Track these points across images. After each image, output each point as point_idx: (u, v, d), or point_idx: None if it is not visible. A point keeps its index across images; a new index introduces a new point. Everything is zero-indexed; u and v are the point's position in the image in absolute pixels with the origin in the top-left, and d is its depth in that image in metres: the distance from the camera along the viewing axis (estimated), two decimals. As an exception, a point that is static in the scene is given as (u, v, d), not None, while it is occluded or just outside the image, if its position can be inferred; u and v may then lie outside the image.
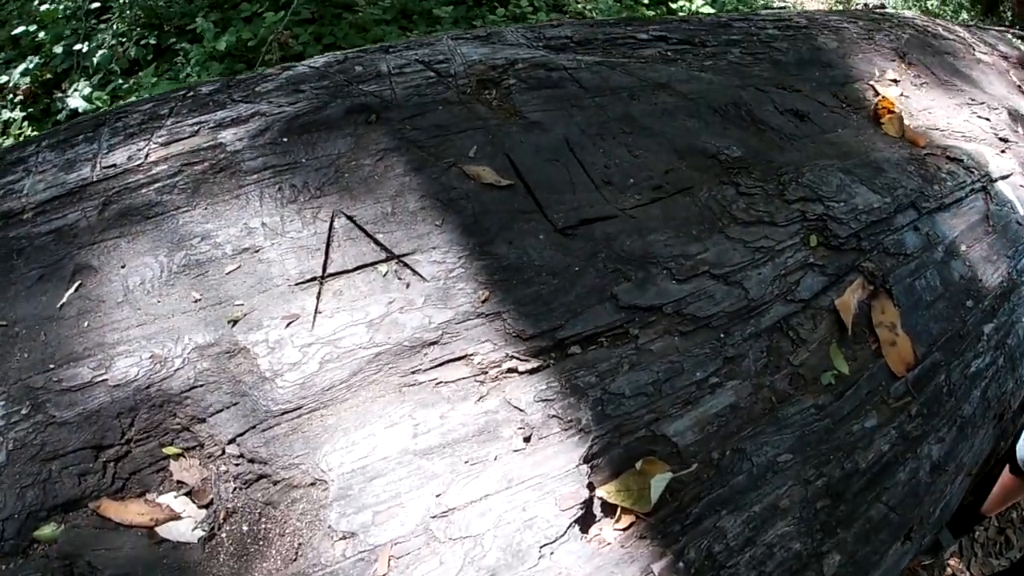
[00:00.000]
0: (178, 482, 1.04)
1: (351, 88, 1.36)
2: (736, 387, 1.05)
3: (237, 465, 1.03)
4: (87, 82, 2.59)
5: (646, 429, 0.99)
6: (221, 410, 1.03)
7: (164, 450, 1.03)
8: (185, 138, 1.28)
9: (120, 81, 2.57)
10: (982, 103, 1.99)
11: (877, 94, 1.74)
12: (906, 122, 1.68)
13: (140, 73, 2.55)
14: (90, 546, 0.93)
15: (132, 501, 1.01)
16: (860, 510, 1.05)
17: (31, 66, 2.86)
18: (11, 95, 3.04)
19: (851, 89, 1.73)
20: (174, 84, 2.52)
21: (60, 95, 2.69)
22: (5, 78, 2.99)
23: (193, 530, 0.99)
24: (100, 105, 2.46)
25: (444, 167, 1.23)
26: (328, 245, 1.14)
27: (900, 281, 1.30)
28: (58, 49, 2.76)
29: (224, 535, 0.99)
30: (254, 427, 1.02)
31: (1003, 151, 1.80)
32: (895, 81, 1.84)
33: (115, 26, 2.78)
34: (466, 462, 0.95)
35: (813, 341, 1.15)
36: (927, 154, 1.59)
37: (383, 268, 1.11)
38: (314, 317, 1.07)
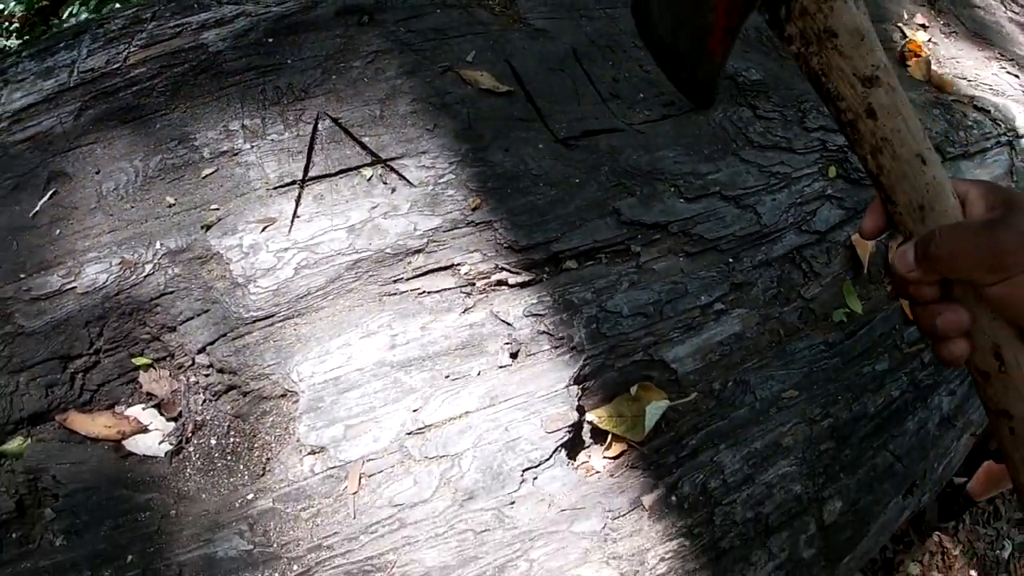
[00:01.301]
0: (147, 394, 0.93)
1: (344, -13, 1.20)
2: (743, 316, 0.93)
3: (207, 376, 0.92)
4: (83, 7, 2.39)
5: (644, 352, 0.87)
6: (192, 318, 0.92)
7: (133, 360, 0.92)
8: (166, 39, 1.13)
9: (117, 5, 2.37)
10: (1011, 60, 1.83)
11: (904, 36, 1.58)
12: (933, 67, 1.52)
13: None
14: (55, 460, 0.84)
15: (99, 414, 0.91)
16: (865, 456, 0.94)
17: (26, -8, 2.66)
18: (7, 23, 2.84)
19: (877, 29, 1.56)
20: (171, 6, 2.33)
21: (57, 21, 2.50)
22: (1, 6, 2.79)
23: (160, 443, 0.90)
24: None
25: (439, 71, 1.09)
26: (311, 148, 1.01)
27: (920, 223, 1.17)
28: (54, -30, 2.56)
29: (191, 449, 0.89)
30: (224, 335, 0.90)
31: (1029, 109, 1.65)
32: (923, 26, 1.67)
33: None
34: (447, 377, 0.83)
35: (827, 276, 1.03)
36: (954, 100, 1.45)
37: (368, 172, 0.97)
38: (292, 221, 0.94)
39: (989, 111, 1.46)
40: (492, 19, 1.18)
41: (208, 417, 0.91)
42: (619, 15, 1.24)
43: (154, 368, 0.95)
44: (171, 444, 0.89)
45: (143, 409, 0.93)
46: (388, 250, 0.90)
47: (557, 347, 0.84)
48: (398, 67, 1.09)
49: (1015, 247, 0.54)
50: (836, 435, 0.92)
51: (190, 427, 0.90)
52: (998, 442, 0.66)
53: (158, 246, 0.94)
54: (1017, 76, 1.68)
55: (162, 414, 0.93)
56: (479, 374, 0.82)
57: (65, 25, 2.29)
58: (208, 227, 0.96)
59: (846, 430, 0.93)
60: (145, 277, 0.92)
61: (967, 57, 1.64)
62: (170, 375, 0.95)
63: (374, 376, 0.83)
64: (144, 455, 0.89)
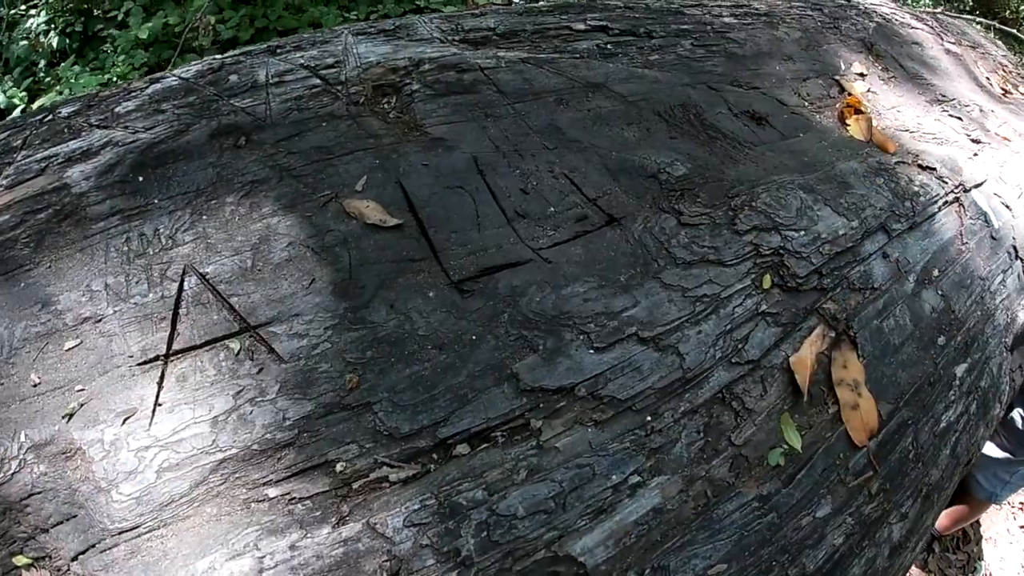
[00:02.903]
0: (33, 595, 0.81)
1: (220, 104, 1.03)
2: (663, 484, 0.79)
3: None
4: (8, 77, 2.20)
5: (546, 550, 0.73)
6: (61, 522, 0.78)
7: (14, 560, 0.79)
8: (31, 178, 0.97)
9: (42, 74, 2.18)
10: (952, 100, 1.68)
11: (843, 91, 1.42)
12: (874, 123, 1.37)
13: (60, 65, 2.17)
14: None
15: (-11, 619, 0.78)
16: (808, 623, 0.81)
17: (-51, 63, 2.46)
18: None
19: (814, 85, 1.41)
20: (98, 76, 2.15)
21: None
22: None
23: (50, 655, 0.77)
24: (18, 103, 2.09)
25: (321, 203, 0.93)
26: (175, 315, 0.85)
27: (866, 324, 1.03)
28: (-23, 44, 2.36)
29: (77, 663, 0.76)
30: (93, 546, 0.76)
31: (976, 154, 1.51)
32: (861, 75, 1.52)
33: (42, 13, 2.37)
34: (319, 606, 0.69)
35: (761, 411, 0.89)
36: (898, 162, 1.30)
37: (235, 344, 0.82)
38: (153, 411, 0.79)
39: (935, 168, 1.32)
40: (385, 129, 1.02)
41: (88, 627, 0.78)
42: (528, 110, 1.08)
43: (35, 568, 0.81)
44: (57, 657, 0.76)
45: (30, 612, 0.80)
46: (255, 446, 0.75)
47: (443, 562, 0.70)
48: (275, 200, 0.93)
49: None
50: (773, 610, 0.79)
51: (73, 635, 0.77)
52: None
53: (23, 438, 0.79)
54: (959, 118, 1.53)
55: (47, 618, 0.80)
56: (355, 603, 0.68)
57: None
58: (70, 416, 0.81)
59: (784, 602, 0.80)
60: (13, 475, 0.78)
61: (908, 103, 1.49)
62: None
63: (241, 607, 0.69)
64: (32, 667, 0.77)
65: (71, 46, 2.29)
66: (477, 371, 0.79)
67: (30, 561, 0.80)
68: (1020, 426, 1.76)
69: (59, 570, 0.79)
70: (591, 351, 0.83)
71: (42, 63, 2.24)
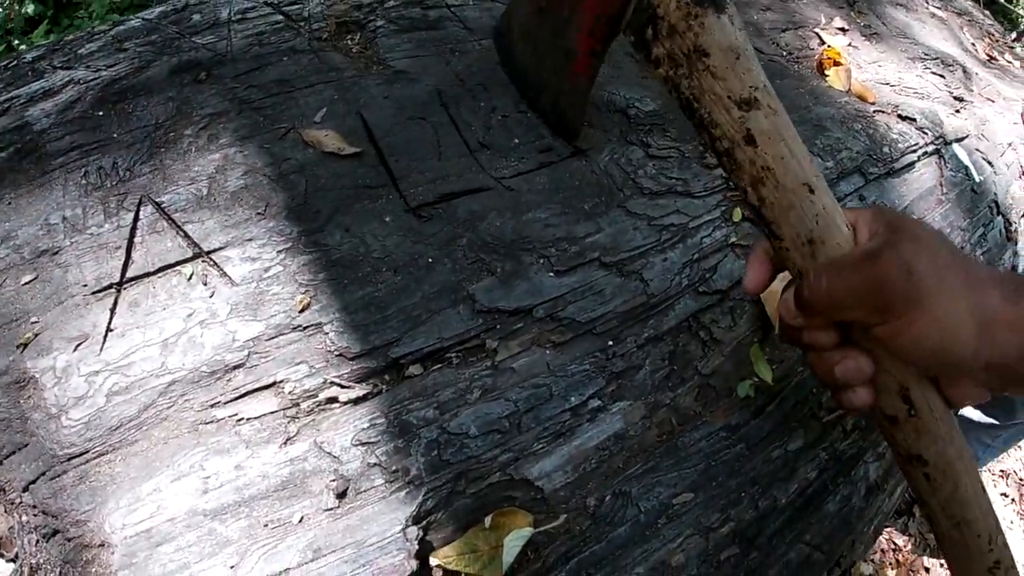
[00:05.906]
0: (-14, 531, 0.77)
1: (182, 42, 0.99)
2: (625, 410, 0.75)
3: (35, 516, 0.74)
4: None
5: (501, 472, 0.69)
6: (14, 452, 0.74)
7: None
8: None
9: (16, 42, 2.13)
10: (936, 58, 1.63)
11: (822, 43, 1.38)
12: (854, 75, 1.33)
13: (32, 33, 2.11)
14: None
15: (-60, 554, 0.75)
16: (776, 554, 0.77)
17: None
18: None
19: (793, 36, 1.36)
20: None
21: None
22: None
23: (0, 588, 0.74)
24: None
25: (279, 134, 0.89)
26: (130, 243, 0.81)
27: (839, 261, 0.98)
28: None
29: (29, 595, 0.73)
30: (44, 474, 0.72)
31: (958, 111, 1.46)
32: (843, 30, 1.47)
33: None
34: (265, 525, 0.65)
35: (729, 342, 0.85)
36: (876, 111, 1.25)
37: (188, 269, 0.78)
38: (104, 337, 0.75)
39: (915, 119, 1.27)
40: (347, 63, 0.98)
41: (42, 560, 0.74)
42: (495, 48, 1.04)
43: (-11, 504, 0.78)
44: (11, 589, 0.73)
45: (-19, 549, 0.77)
46: (204, 368, 0.71)
47: (391, 482, 0.65)
48: (233, 132, 0.89)
49: (896, 280, 0.46)
50: (739, 539, 0.75)
51: (26, 570, 0.74)
52: (913, 489, 0.59)
53: (-26, 370, 0.76)
54: (942, 76, 1.48)
55: (1, 554, 0.77)
56: (301, 520, 0.64)
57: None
58: (25, 345, 0.77)
59: (751, 531, 0.76)
60: (-37, 408, 0.75)
61: (890, 59, 1.45)
62: (4, 511, 0.78)
63: (187, 527, 0.65)
64: (-14, 601, 0.74)
65: (47, 13, 2.23)
66: (432, 292, 0.75)
67: (-16, 499, 0.77)
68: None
69: (12, 503, 0.76)
70: (551, 274, 0.79)
71: (17, 31, 2.18)
